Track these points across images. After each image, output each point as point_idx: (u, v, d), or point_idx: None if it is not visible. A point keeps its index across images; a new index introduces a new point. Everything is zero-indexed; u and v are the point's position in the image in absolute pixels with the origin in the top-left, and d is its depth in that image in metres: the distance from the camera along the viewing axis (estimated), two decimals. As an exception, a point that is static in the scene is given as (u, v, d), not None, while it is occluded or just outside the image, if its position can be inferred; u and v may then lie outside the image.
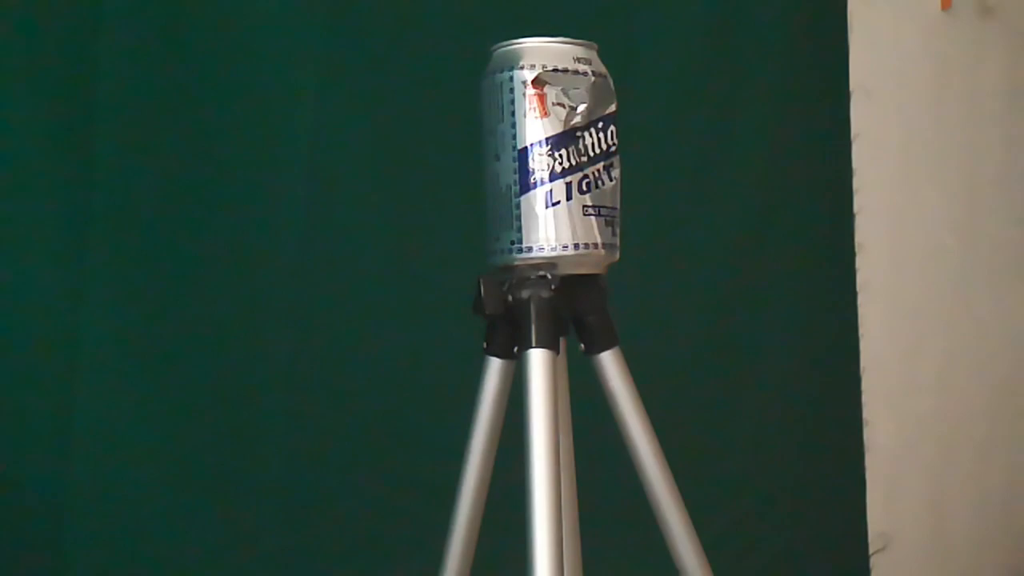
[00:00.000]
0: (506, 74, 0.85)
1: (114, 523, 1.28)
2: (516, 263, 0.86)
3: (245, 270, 1.34)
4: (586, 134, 0.86)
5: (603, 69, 0.88)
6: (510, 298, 0.87)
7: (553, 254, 0.85)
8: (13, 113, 1.21)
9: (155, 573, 1.30)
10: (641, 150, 1.43)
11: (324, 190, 1.38)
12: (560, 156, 0.85)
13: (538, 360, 0.85)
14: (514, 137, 0.85)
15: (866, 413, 1.89)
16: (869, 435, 1.89)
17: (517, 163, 0.85)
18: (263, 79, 1.35)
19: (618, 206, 0.88)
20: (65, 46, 1.24)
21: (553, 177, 0.85)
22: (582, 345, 0.90)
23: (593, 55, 0.88)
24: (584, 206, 0.85)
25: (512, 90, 0.85)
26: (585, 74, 0.86)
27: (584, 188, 0.86)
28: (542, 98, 0.85)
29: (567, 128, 0.85)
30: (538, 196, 0.85)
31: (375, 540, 1.39)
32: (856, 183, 1.87)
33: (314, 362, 1.37)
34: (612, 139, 0.87)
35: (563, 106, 0.85)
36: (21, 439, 1.23)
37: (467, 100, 0.91)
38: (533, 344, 0.85)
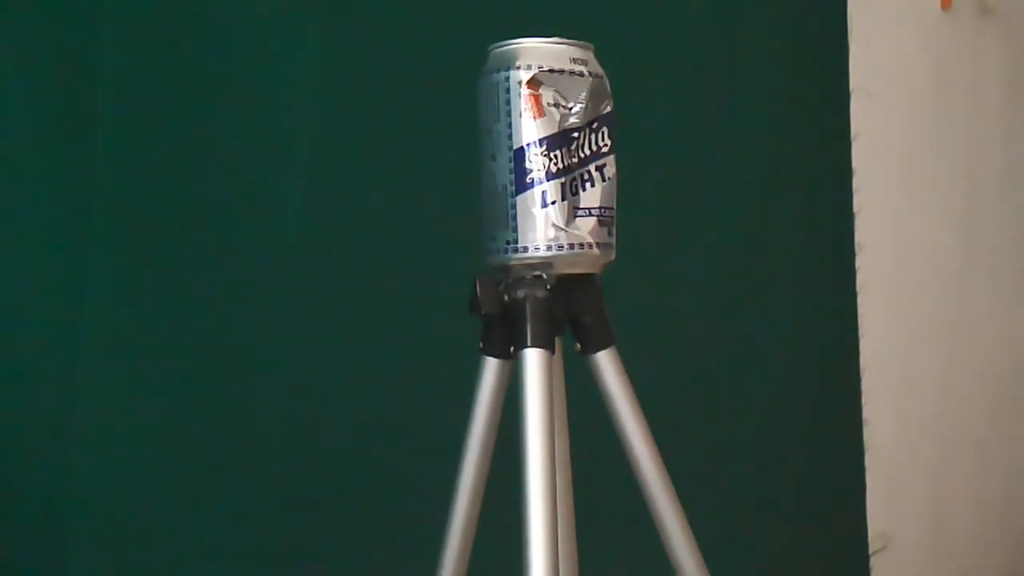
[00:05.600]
0: (502, 74, 0.85)
1: (114, 524, 1.28)
2: (512, 263, 0.86)
3: (244, 270, 1.34)
4: (582, 134, 0.86)
5: (599, 69, 0.88)
6: (506, 298, 0.87)
7: (548, 254, 0.85)
8: (13, 113, 1.21)
9: (155, 574, 1.30)
10: (641, 150, 1.43)
11: (323, 189, 1.39)
12: (556, 156, 0.85)
13: (534, 360, 0.85)
14: (510, 137, 0.85)
15: (866, 413, 1.89)
16: (869, 435, 1.89)
17: (513, 163, 0.85)
18: (263, 79, 1.35)
19: (614, 206, 0.88)
20: (65, 46, 1.24)
21: (549, 177, 0.85)
22: (578, 345, 0.91)
23: (590, 55, 0.88)
24: (579, 206, 0.86)
25: (508, 90, 0.85)
26: (581, 74, 0.86)
27: (579, 188, 0.86)
28: (538, 98, 0.85)
29: (563, 128, 0.85)
30: (534, 196, 0.85)
31: (372, 540, 1.39)
32: (856, 183, 1.87)
33: (312, 362, 1.37)
34: (608, 139, 0.88)
35: (559, 106, 0.85)
36: (21, 439, 1.23)
37: (464, 100, 0.91)
38: (529, 344, 0.85)
